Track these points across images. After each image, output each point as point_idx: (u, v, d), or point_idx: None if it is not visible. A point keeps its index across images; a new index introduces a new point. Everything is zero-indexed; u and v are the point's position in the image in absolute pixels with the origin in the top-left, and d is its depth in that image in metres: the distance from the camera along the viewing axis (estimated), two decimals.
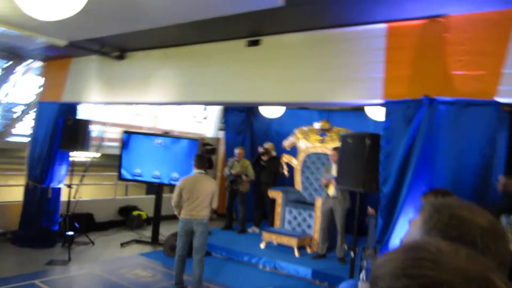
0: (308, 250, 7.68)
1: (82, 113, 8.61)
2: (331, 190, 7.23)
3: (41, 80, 8.44)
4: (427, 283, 0.68)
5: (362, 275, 3.17)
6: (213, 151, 9.78)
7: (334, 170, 7.23)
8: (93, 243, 8.14)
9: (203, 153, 7.76)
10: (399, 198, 4.25)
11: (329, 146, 8.19)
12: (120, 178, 8.71)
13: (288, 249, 7.57)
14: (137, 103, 8.46)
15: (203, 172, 5.81)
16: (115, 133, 12.09)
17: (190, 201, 5.61)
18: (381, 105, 4.66)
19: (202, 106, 13.51)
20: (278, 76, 5.39)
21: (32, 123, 8.36)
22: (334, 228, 7.32)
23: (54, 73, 8.22)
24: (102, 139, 11.20)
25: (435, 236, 1.02)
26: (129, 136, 8.63)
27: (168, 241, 7.63)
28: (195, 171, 5.83)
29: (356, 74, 4.76)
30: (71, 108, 8.03)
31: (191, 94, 6.33)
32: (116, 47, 6.95)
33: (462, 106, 3.99)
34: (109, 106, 11.19)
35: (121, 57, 7.11)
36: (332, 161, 7.30)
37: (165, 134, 9.10)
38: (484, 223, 1.01)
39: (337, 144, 7.62)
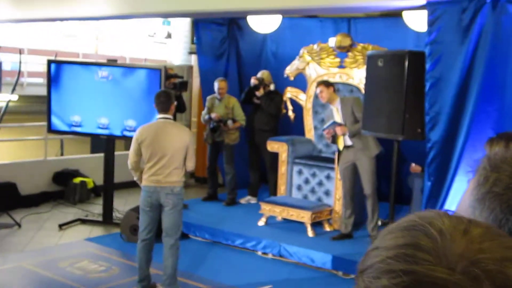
0: (327, 228, 7.77)
1: None
2: (341, 142, 7.19)
3: None
4: (416, 284, 0.70)
5: None
6: (184, 85, 9.70)
7: (336, 113, 7.22)
8: (19, 225, 8.21)
9: (168, 89, 7.68)
10: (454, 148, 4.27)
11: (352, 72, 8.11)
12: (51, 130, 8.69)
13: (299, 227, 7.62)
14: (63, 19, 8.28)
15: (169, 118, 5.79)
16: (39, 64, 11.96)
17: (153, 161, 5.62)
18: (423, 7, 4.60)
19: (161, 20, 13.30)
20: None
21: None
22: (361, 193, 7.36)
23: None
24: (19, 74, 11.07)
25: (490, 204, 1.05)
26: (59, 68, 8.52)
27: (127, 220, 7.70)
28: (157, 116, 5.80)
29: None
30: None
31: (140, 3, 6.18)
32: None
33: None
34: (24, 25, 10.94)
35: None
36: (324, 101, 7.31)
37: (112, 63, 8.98)
38: None
39: (363, 68, 7.55)
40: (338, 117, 7.16)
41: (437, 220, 0.77)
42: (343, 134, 7.01)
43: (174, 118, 5.89)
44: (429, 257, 0.72)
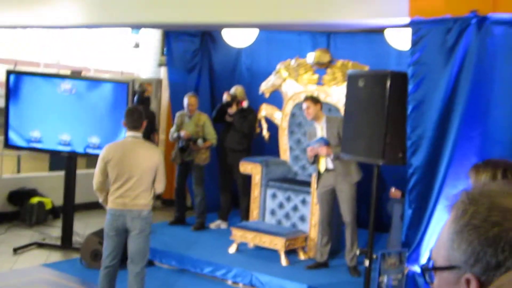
0: (302, 256, 7.78)
1: None
2: (322, 164, 7.23)
3: None
4: None
5: None
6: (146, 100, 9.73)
7: (319, 132, 7.27)
8: None
9: (139, 104, 7.67)
10: (437, 174, 4.34)
11: (330, 90, 8.19)
12: (8, 145, 8.62)
13: (272, 255, 7.63)
14: (23, 27, 8.26)
15: (139, 136, 5.78)
16: None
17: (120, 182, 5.59)
18: (407, 26, 4.69)
19: (129, 29, 13.28)
20: None
21: None
22: (339, 220, 7.40)
23: None
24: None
25: (469, 237, 1.12)
26: (18, 79, 8.47)
27: (88, 244, 7.65)
28: (126, 134, 5.79)
29: None
30: None
31: (108, 12, 6.21)
32: None
33: None
34: None
35: None
36: (310, 118, 7.34)
37: (76, 75, 8.96)
38: None
39: (342, 85, 7.63)
40: (322, 133, 7.21)
41: None
42: (327, 156, 7.05)
43: (142, 136, 5.85)
44: None
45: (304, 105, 7.35)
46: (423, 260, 4.30)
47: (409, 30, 4.65)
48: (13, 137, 8.48)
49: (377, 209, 5.11)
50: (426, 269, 1.27)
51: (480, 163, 3.29)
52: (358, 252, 7.00)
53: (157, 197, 9.80)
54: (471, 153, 4.09)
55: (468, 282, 1.14)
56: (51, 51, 13.31)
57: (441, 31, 4.38)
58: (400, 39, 7.61)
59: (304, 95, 7.89)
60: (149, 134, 9.53)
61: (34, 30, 11.79)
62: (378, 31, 8.30)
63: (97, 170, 5.68)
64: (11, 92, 8.45)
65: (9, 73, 8.55)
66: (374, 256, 4.78)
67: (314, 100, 7.33)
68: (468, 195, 1.18)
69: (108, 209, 5.69)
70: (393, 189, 7.30)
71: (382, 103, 4.72)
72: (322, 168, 7.23)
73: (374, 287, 4.75)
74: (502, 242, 1.10)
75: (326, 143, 6.95)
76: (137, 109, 5.92)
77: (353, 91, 5.08)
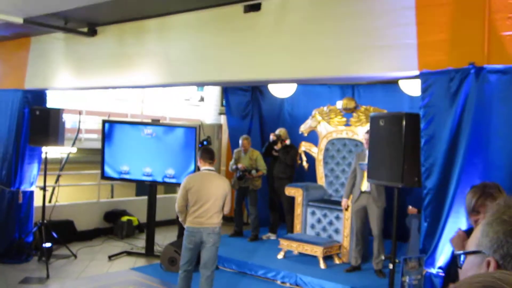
0: (337, 261, 7.69)
1: (51, 101, 8.62)
2: (364, 184, 7.16)
3: None
4: None
5: None
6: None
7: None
8: (75, 256, 8.21)
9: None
10: (447, 194, 4.22)
11: (356, 129, 8.13)
12: (104, 176, 8.75)
13: (312, 260, 7.56)
14: (114, 87, 8.46)
15: (212, 169, 5.76)
16: (94, 123, 12.14)
17: (198, 206, 5.55)
18: (417, 77, 4.63)
19: (196, 87, 13.49)
20: (286, 47, 5.33)
21: None
22: (368, 233, 7.28)
23: (11, 55, 8.21)
24: (78, 130, 11.23)
25: (496, 226, 1.15)
26: (111, 126, 8.65)
27: (166, 253, 7.67)
28: (201, 167, 5.78)
29: (381, 41, 4.70)
30: (38, 95, 8.05)
31: (179, 74, 6.28)
32: (84, 22, 6.90)
33: None
34: (83, 91, 11.18)
35: (91, 33, 7.07)
36: (366, 145, 7.24)
37: (155, 122, 9.10)
38: None
39: (366, 125, 7.57)
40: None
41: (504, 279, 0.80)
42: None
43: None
44: None
45: (365, 136, 7.10)
46: (439, 263, 4.19)
47: (419, 81, 4.59)
48: (108, 170, 8.62)
49: (398, 223, 5.00)
50: (459, 255, 1.29)
51: (473, 187, 3.20)
52: (383, 258, 6.86)
53: None
54: (475, 177, 3.99)
55: (488, 264, 1.15)
56: (136, 104, 13.59)
57: (446, 80, 4.31)
58: (411, 88, 7.54)
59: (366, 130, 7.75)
60: None
61: (122, 90, 12.07)
62: (393, 82, 8.24)
63: (179, 196, 5.63)
64: (106, 136, 8.63)
65: (104, 122, 8.76)
66: (397, 260, 4.67)
67: None
68: (504, 200, 1.21)
69: (186, 227, 5.64)
70: (410, 207, 7.18)
71: (399, 138, 4.67)
72: (363, 188, 7.17)
73: (397, 287, 4.62)
74: None
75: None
76: (211, 148, 5.95)
77: (375, 129, 5.02)
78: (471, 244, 1.24)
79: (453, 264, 3.39)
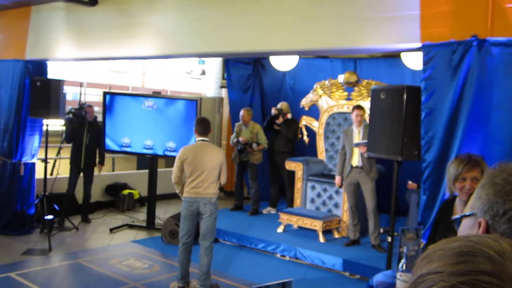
0: (336, 235, 7.73)
1: (52, 72, 8.59)
2: (355, 159, 7.16)
3: None
4: None
5: (402, 264, 3.17)
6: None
7: (357, 136, 7.16)
8: (76, 228, 8.27)
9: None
10: (446, 167, 4.22)
11: (358, 103, 8.09)
12: (105, 149, 8.77)
13: (312, 234, 7.60)
14: (116, 58, 8.41)
15: (207, 140, 5.80)
16: (95, 95, 12.09)
17: (194, 176, 5.61)
18: (419, 49, 4.60)
19: (197, 59, 13.42)
20: (287, 18, 5.29)
21: None
22: (364, 207, 7.31)
23: (12, 25, 8.16)
24: (79, 103, 11.19)
25: (489, 188, 1.16)
26: (112, 99, 8.63)
27: (167, 226, 7.73)
28: (197, 138, 5.81)
29: (383, 12, 4.66)
30: (39, 66, 8.02)
31: (181, 45, 6.26)
32: None
33: None
34: (84, 62, 11.12)
35: (92, 2, 7.01)
36: (356, 123, 7.20)
37: (156, 95, 9.07)
38: None
39: (367, 100, 7.53)
40: (357, 139, 7.12)
41: (494, 244, 0.77)
42: (364, 153, 6.87)
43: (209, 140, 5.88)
44: (495, 280, 0.70)
45: (355, 113, 7.19)
46: None
47: (421, 53, 4.56)
48: (109, 143, 8.62)
49: (397, 197, 5.02)
50: (456, 219, 1.30)
51: (460, 154, 3.25)
52: (381, 231, 6.90)
53: (220, 189, 9.92)
54: (475, 150, 3.97)
55: (479, 224, 1.16)
56: (137, 77, 13.54)
57: (448, 53, 4.28)
58: (413, 61, 7.48)
59: (349, 106, 7.77)
60: None
61: (123, 61, 12.01)
62: (395, 56, 8.19)
63: (175, 167, 5.70)
64: (107, 108, 8.61)
65: (105, 94, 8.73)
66: (395, 233, 4.70)
67: (364, 109, 7.20)
68: (500, 165, 1.23)
69: (183, 198, 5.70)
70: (410, 182, 7.18)
71: (400, 111, 4.66)
72: (354, 163, 7.19)
73: (395, 260, 4.66)
74: (511, 196, 1.13)
75: (367, 144, 6.89)
76: (206, 119, 5.93)
77: (376, 102, 5.01)
78: (467, 208, 1.25)
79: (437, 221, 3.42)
